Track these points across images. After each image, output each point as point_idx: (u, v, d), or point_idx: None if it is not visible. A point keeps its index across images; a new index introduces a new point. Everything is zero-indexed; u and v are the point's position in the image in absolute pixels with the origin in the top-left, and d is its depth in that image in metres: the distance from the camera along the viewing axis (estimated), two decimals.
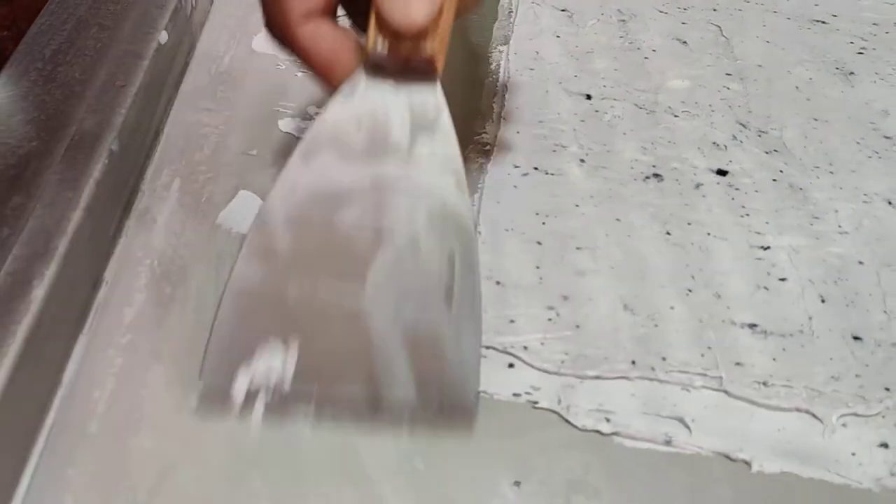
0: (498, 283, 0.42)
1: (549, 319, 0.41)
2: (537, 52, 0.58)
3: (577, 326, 0.40)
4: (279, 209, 0.35)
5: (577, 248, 0.44)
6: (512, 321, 0.41)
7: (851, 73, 0.56)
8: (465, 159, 0.49)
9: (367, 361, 0.34)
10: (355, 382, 0.34)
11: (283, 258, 0.34)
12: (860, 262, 0.44)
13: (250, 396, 0.35)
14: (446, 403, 0.35)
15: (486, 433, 0.36)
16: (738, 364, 0.39)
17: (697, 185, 0.48)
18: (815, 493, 0.34)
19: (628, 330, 0.40)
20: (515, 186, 0.48)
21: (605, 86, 0.55)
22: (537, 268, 0.43)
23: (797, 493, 0.34)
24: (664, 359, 0.39)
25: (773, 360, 0.39)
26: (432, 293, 0.34)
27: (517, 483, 0.35)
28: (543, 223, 0.46)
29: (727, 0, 0.64)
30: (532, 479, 0.35)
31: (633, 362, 0.39)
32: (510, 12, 0.62)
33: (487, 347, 0.39)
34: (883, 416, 0.37)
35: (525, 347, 0.39)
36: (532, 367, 0.39)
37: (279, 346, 0.34)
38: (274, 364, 0.34)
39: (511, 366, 0.39)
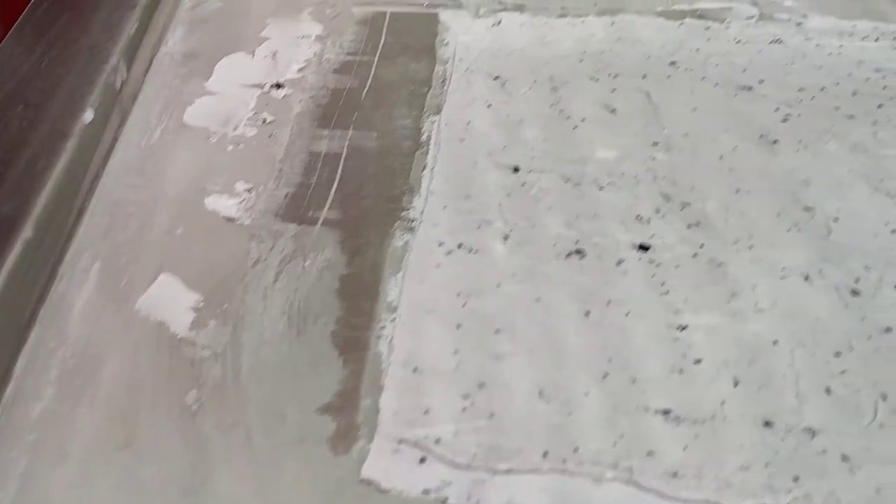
0: (415, 369, 0.42)
1: (464, 409, 0.41)
2: (468, 122, 0.59)
3: (492, 415, 0.40)
4: None
5: (497, 331, 0.44)
6: (426, 411, 0.41)
7: (775, 141, 0.57)
8: (390, 236, 0.49)
9: None
10: None
11: None
12: (775, 342, 0.44)
13: None
14: None
15: None
16: (649, 454, 0.39)
17: (619, 262, 0.48)
18: None
19: (542, 418, 0.40)
20: (438, 266, 0.48)
21: (533, 157, 0.56)
22: (455, 352, 0.43)
23: None
24: (576, 450, 0.39)
25: (685, 448, 0.39)
26: None
27: None
28: (464, 304, 0.46)
29: (657, 66, 0.65)
30: None
31: (546, 454, 0.39)
32: (443, 81, 0.63)
33: (400, 441, 0.39)
34: None
35: (438, 440, 0.39)
36: (444, 461, 0.39)
37: None
38: None
39: (423, 460, 0.39)
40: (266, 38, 0.68)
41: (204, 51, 0.66)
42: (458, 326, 0.44)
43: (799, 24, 0.70)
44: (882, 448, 0.39)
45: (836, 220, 0.51)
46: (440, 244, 0.49)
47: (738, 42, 0.68)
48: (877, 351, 0.44)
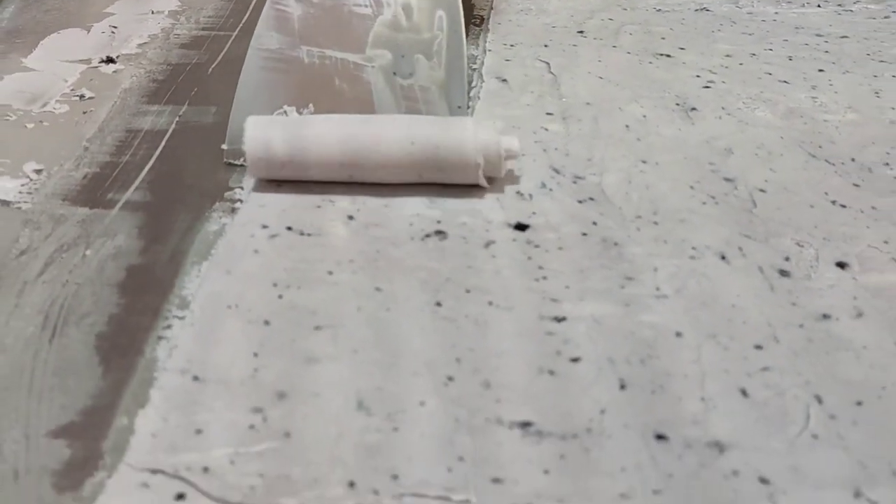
0: (196, 378, 0.31)
1: (251, 426, 0.30)
2: None
3: (287, 434, 0.29)
4: None
5: (316, 328, 0.34)
6: (199, 431, 0.29)
7: (693, 108, 0.47)
8: (204, 220, 0.39)
9: (369, 112, 0.41)
10: None
11: (295, 27, 0.43)
12: (678, 334, 0.33)
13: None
14: None
15: None
16: (496, 481, 0.28)
17: (488, 244, 0.38)
18: None
19: (356, 437, 0.29)
20: (256, 252, 0.37)
21: None
22: (255, 355, 0.32)
23: None
24: (395, 477, 0.28)
25: (545, 472, 0.28)
26: (424, 49, 0.43)
27: None
28: (280, 296, 0.35)
29: (562, 36, 0.55)
30: None
31: (352, 484, 0.28)
32: None
33: (154, 472, 0.28)
34: None
35: (206, 469, 0.28)
36: (208, 496, 0.27)
37: (295, 106, 0.42)
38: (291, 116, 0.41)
39: (180, 497, 0.27)
40: (110, 14, 0.58)
41: (34, 28, 0.56)
42: (266, 324, 0.34)
43: None
44: (813, 466, 0.28)
45: (762, 190, 0.41)
46: (263, 227, 0.39)
47: (658, 10, 0.59)
48: (810, 342, 0.33)
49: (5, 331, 0.34)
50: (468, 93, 0.44)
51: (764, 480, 0.28)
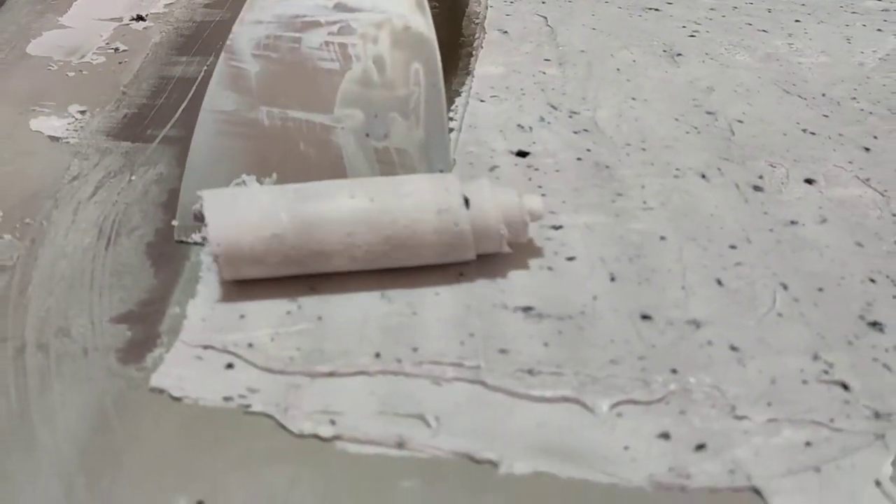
0: (239, 276, 0.36)
1: (288, 312, 0.34)
2: None
3: (320, 319, 0.34)
4: (246, 35, 0.39)
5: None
6: (242, 316, 0.34)
7: (679, 54, 0.52)
8: None
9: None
10: None
11: (253, 86, 0.37)
12: (662, 238, 0.38)
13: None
14: None
15: (175, 445, 0.29)
16: (502, 351, 0.32)
17: (492, 168, 0.42)
18: (572, 496, 0.27)
19: (380, 320, 0.34)
20: None
21: None
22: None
23: (551, 494, 0.27)
24: (415, 349, 0.32)
25: (545, 345, 0.33)
26: (399, 107, 0.37)
27: None
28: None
29: None
30: (218, 499, 0.27)
31: (378, 355, 0.32)
32: None
33: (205, 347, 0.32)
34: (667, 403, 0.30)
35: (250, 345, 0.33)
36: (254, 365, 0.32)
37: (255, 175, 0.37)
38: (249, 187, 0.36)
39: (230, 366, 0.32)
40: None
41: None
42: None
43: None
44: (778, 337, 0.33)
45: (740, 122, 0.46)
46: None
47: None
48: (778, 243, 0.37)
49: (65, 241, 0.38)
50: (451, 153, 0.39)
51: (734, 348, 0.32)
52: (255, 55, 0.39)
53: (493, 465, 0.29)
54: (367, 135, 0.37)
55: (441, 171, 0.37)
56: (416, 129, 0.38)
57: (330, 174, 0.36)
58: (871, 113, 0.46)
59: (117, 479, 0.28)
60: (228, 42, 0.39)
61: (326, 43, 0.39)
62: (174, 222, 0.38)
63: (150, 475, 0.28)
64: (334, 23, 0.39)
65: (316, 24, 0.39)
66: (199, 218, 0.34)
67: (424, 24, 0.39)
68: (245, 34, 0.39)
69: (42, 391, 0.31)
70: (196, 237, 0.37)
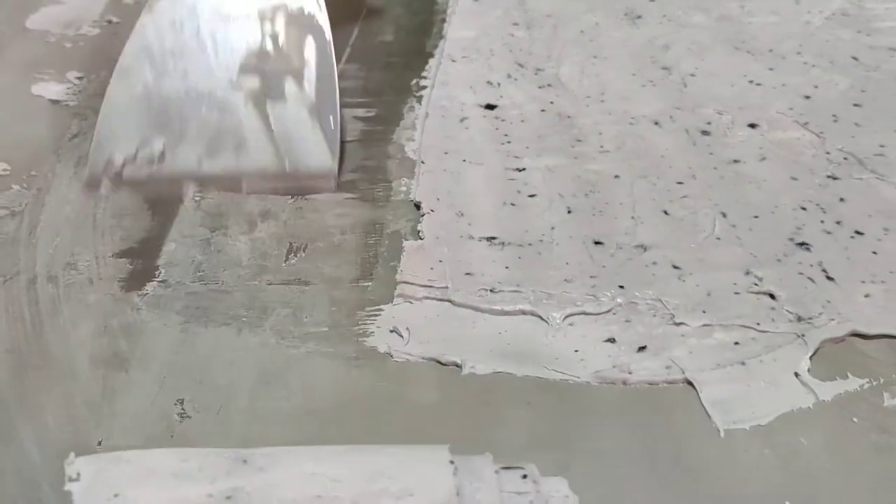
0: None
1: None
2: None
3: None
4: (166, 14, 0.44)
5: None
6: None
7: (639, 16, 0.55)
8: None
9: (237, 138, 0.42)
10: (229, 152, 0.41)
11: (157, 58, 0.43)
12: (616, 176, 0.41)
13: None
14: (310, 170, 0.41)
15: (173, 356, 0.33)
16: (467, 274, 0.36)
17: (462, 119, 0.46)
18: (526, 390, 0.31)
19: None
20: None
21: None
22: None
23: (507, 390, 0.31)
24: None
25: (506, 268, 0.36)
26: (293, 77, 0.43)
27: None
28: None
29: None
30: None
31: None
32: None
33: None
34: (614, 313, 0.34)
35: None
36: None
37: (158, 132, 0.42)
38: (156, 146, 0.42)
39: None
40: None
41: None
42: None
43: None
44: (715, 257, 0.37)
45: (692, 75, 0.49)
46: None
47: None
48: (721, 178, 0.41)
49: (69, 189, 0.42)
50: (338, 114, 0.43)
51: (676, 267, 0.36)
52: (168, 32, 0.44)
53: (458, 366, 0.32)
54: (265, 95, 0.43)
55: (332, 129, 0.42)
56: (308, 91, 0.43)
57: (226, 128, 0.42)
58: (813, 66, 0.50)
59: (125, 384, 0.31)
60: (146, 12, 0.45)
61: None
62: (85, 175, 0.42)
63: (151, 380, 0.32)
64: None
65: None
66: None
67: (316, 7, 0.44)
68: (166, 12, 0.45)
69: (54, 315, 0.35)
70: (104, 186, 0.41)
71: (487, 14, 0.56)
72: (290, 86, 0.43)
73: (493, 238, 0.38)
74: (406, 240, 0.38)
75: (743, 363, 0.32)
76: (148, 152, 0.41)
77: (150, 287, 0.36)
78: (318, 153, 0.41)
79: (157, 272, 0.37)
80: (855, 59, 0.50)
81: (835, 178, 0.41)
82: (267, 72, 0.43)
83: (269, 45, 0.44)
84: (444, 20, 0.55)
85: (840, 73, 0.49)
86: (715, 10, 0.56)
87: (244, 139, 0.42)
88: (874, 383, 0.31)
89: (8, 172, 0.42)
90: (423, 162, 0.43)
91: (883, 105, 0.46)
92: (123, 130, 0.42)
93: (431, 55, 0.52)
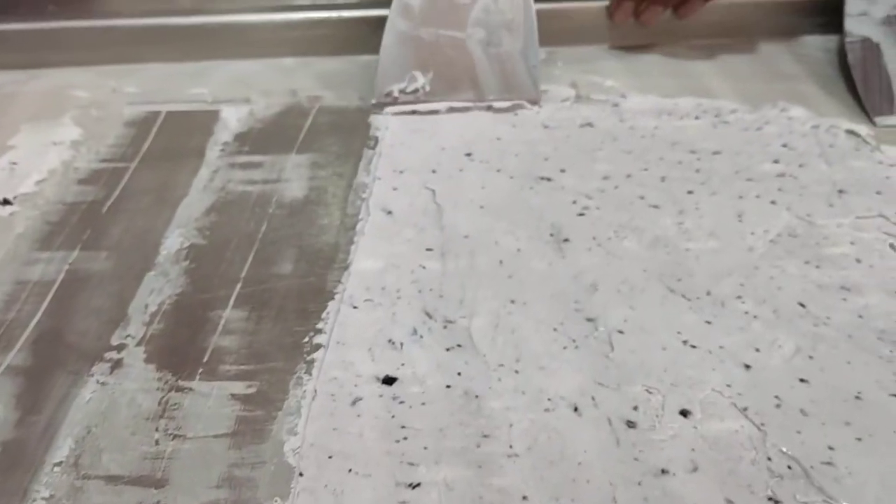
0: None
1: None
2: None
3: None
4: None
5: None
6: None
7: (566, 239, 0.50)
8: (80, 385, 0.40)
9: (472, 74, 0.62)
10: (467, 87, 0.62)
11: (416, 15, 0.61)
12: (524, 498, 0.36)
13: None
14: (521, 94, 0.63)
15: None
16: None
17: (355, 401, 0.40)
18: None
19: None
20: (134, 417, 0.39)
21: None
22: None
23: None
24: None
25: None
26: (507, 25, 0.61)
27: None
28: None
29: (450, 159, 0.58)
30: None
31: None
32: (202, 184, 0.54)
33: None
34: None
35: None
36: None
37: (420, 71, 0.62)
38: (419, 80, 0.62)
39: None
40: (12, 147, 0.59)
41: None
42: None
43: (616, 105, 0.64)
44: None
45: (620, 332, 0.44)
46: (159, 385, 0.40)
47: (546, 127, 0.61)
48: (645, 501, 0.35)
49: None
50: (538, 56, 0.62)
51: None
52: None
53: None
54: (488, 44, 0.61)
55: (534, 66, 0.62)
56: (518, 40, 0.62)
57: (465, 70, 0.62)
58: (755, 317, 0.44)
59: None
60: None
61: None
62: (372, 100, 0.63)
63: None
64: None
65: None
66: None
67: None
68: None
69: None
70: (388, 111, 0.62)
71: (399, 233, 0.51)
72: (505, 34, 0.61)
73: None
74: None
75: None
76: (414, 85, 0.62)
77: None
78: (526, 85, 0.63)
79: None
80: (802, 305, 0.45)
81: (776, 503, 0.35)
82: (489, 24, 0.61)
83: (491, 4, 0.61)
84: (352, 240, 0.50)
85: (785, 328, 0.44)
86: (649, 230, 0.51)
87: (476, 74, 0.62)
88: None
89: None
90: (301, 474, 0.37)
91: (833, 380, 0.41)
92: (393, 68, 0.62)
93: (332, 296, 0.46)
